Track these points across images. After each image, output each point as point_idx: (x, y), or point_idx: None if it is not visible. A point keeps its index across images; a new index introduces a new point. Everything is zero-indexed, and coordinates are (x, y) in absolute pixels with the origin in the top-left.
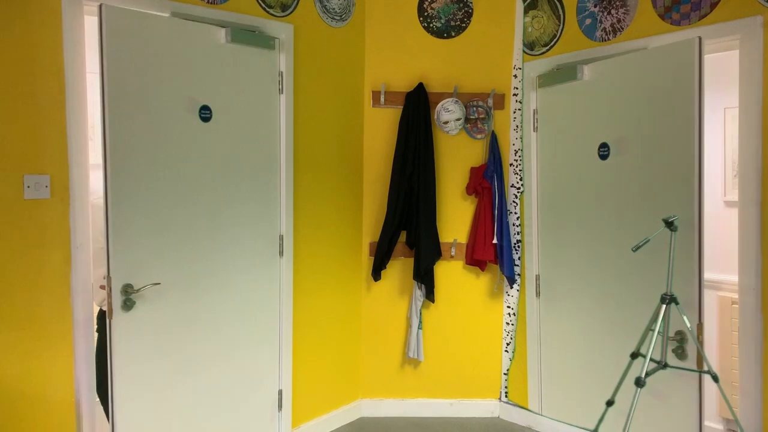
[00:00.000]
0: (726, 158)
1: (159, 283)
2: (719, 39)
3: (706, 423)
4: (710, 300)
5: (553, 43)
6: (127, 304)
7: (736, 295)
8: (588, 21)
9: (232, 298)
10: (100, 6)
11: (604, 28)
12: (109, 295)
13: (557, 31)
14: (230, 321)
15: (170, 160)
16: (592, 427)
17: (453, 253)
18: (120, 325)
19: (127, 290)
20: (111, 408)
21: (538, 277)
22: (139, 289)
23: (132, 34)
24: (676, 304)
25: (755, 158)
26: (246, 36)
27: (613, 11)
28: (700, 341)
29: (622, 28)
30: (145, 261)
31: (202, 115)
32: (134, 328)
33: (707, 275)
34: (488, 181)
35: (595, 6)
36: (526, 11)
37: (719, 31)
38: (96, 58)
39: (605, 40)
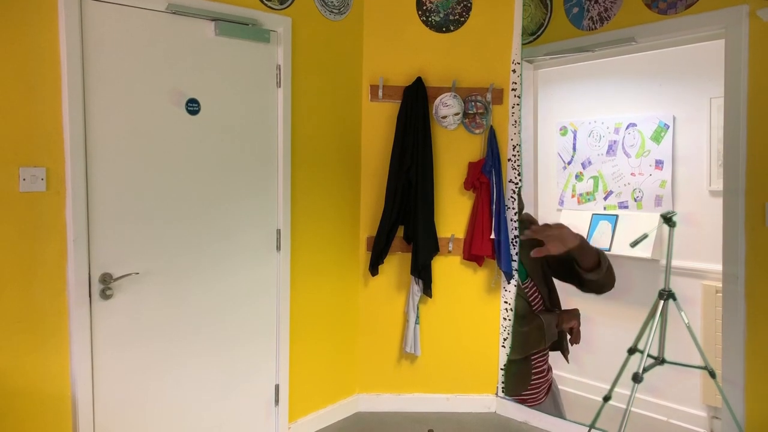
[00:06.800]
0: (711, 148)
1: (138, 273)
2: (705, 28)
3: (691, 411)
4: (694, 288)
5: (540, 32)
6: (106, 293)
7: (720, 284)
8: (575, 10)
9: (227, 292)
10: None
11: (591, 17)
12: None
13: (544, 20)
14: (224, 315)
15: (153, 152)
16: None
17: (450, 248)
18: (99, 313)
19: (106, 279)
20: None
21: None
22: (118, 278)
23: (117, 27)
24: (674, 300)
25: (740, 148)
26: (236, 29)
27: (600, 0)
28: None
29: (609, 17)
30: (125, 251)
31: (189, 108)
32: (114, 317)
33: (692, 264)
34: (486, 176)
35: None
36: None
37: (705, 20)
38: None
39: (592, 29)
